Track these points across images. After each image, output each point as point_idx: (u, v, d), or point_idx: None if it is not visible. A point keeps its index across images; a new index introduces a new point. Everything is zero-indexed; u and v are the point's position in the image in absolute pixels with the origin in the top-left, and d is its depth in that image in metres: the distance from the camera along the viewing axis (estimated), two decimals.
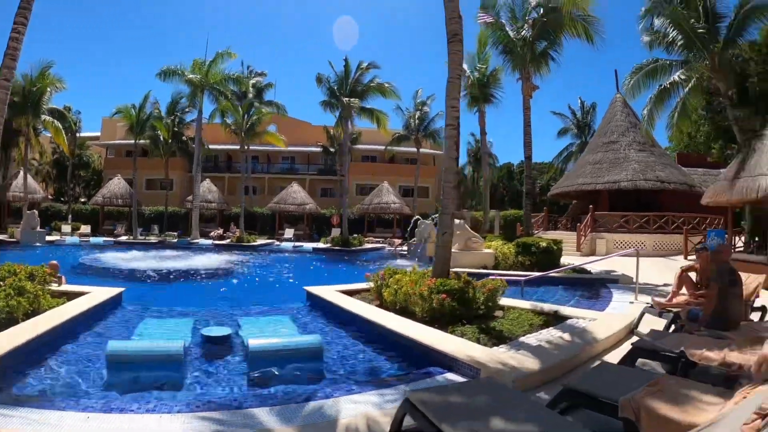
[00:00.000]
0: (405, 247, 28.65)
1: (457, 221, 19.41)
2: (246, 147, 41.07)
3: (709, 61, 20.99)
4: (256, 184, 54.15)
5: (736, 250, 21.22)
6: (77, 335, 8.04)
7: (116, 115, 41.42)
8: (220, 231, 38.96)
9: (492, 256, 18.45)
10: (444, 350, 6.62)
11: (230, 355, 7.43)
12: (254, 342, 7.02)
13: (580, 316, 9.09)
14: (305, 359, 7.00)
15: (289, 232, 40.46)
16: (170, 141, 42.55)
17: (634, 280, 12.78)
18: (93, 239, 34.90)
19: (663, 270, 18.62)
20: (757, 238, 21.09)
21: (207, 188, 44.69)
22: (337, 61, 35.68)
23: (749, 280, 8.78)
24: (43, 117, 36.67)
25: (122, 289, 11.24)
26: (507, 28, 22.60)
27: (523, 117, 21.87)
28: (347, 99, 33.04)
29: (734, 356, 4.89)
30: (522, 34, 22.08)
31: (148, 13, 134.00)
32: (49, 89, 35.69)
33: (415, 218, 29.14)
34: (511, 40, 22.32)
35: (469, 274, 10.56)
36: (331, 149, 51.83)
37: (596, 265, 18.03)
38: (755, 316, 8.31)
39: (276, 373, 6.65)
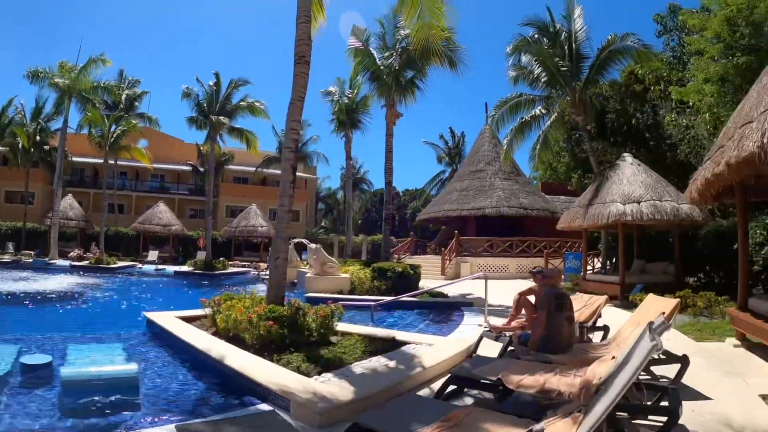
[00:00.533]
0: (268, 272, 27.46)
1: (313, 246, 19.04)
2: (114, 161, 39.08)
3: (570, 98, 21.81)
4: (123, 202, 51.49)
5: (595, 271, 22.30)
6: None
7: None
8: (80, 251, 36.26)
9: (348, 281, 17.84)
10: (258, 380, 6.10)
11: (48, 385, 6.66)
12: (66, 371, 6.32)
13: (418, 341, 8.65)
14: (120, 389, 6.25)
15: (153, 254, 38.17)
16: (31, 150, 39.73)
17: (486, 303, 12.57)
18: None
19: None
20: (609, 261, 21.97)
21: (69, 204, 41.91)
22: (207, 76, 33.92)
23: (591, 301, 8.79)
24: None
25: None
26: (375, 56, 22.60)
27: (386, 143, 21.88)
28: (215, 117, 31.62)
29: (555, 382, 4.59)
30: (389, 62, 22.12)
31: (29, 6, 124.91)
32: None
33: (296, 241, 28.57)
34: (378, 67, 22.31)
35: (323, 299, 10.87)
36: (201, 169, 48.89)
37: (454, 289, 17.83)
38: (599, 335, 8.28)
39: (86, 402, 5.96)
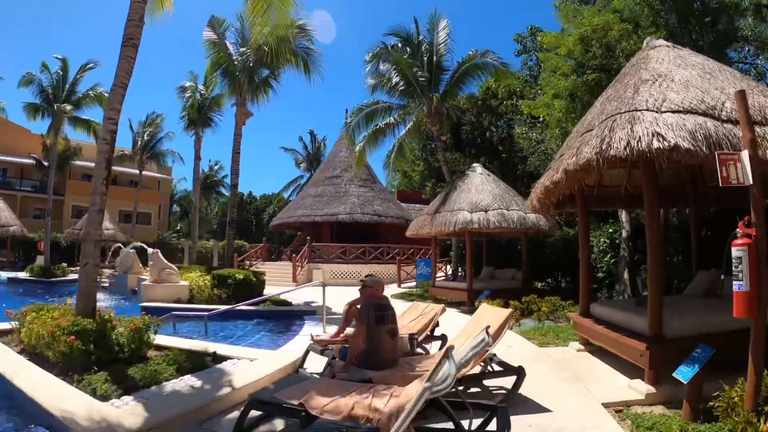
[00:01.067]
0: (78, 279, 25.22)
1: (150, 250, 17.68)
2: None
3: (427, 108, 21.78)
4: None
5: (447, 278, 22.75)
6: None
7: None
8: None
9: (187, 289, 16.60)
10: (45, 405, 5.27)
11: None
12: None
13: (242, 356, 7.76)
14: None
15: None
16: None
17: (324, 312, 11.94)
18: None
19: None
20: (460, 268, 22.02)
21: None
22: (53, 61, 31.12)
23: (428, 310, 8.50)
24: None
25: None
26: (231, 50, 21.47)
27: (233, 144, 20.59)
28: (59, 105, 29.21)
29: (364, 406, 4.02)
30: (244, 57, 21.01)
31: None
32: None
33: (115, 246, 26.65)
34: (232, 62, 21.17)
35: (160, 309, 10.73)
36: (46, 163, 44.07)
37: (300, 296, 17.24)
38: (438, 344, 8.05)
39: None
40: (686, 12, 16.58)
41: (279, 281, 27.17)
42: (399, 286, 25.92)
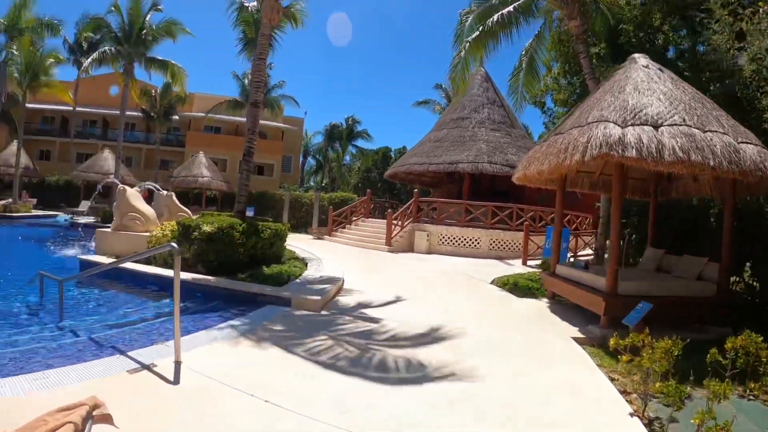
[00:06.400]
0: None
1: (139, 189, 15.28)
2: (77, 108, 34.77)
3: None
4: (91, 151, 43.16)
5: (576, 261, 13.17)
6: None
7: None
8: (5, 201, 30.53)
9: (145, 240, 12.20)
10: None
11: None
12: None
13: None
14: None
15: (84, 205, 31.95)
16: None
17: None
18: None
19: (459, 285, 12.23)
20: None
21: (12, 152, 35.20)
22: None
23: None
24: None
25: None
26: None
27: (258, 47, 13.29)
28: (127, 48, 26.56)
29: None
30: None
31: None
32: None
33: (105, 181, 24.73)
34: None
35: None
36: (153, 114, 41.49)
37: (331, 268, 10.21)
38: None
39: None
40: None
41: (370, 244, 20.62)
42: (524, 263, 17.32)
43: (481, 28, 14.92)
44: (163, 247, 5.84)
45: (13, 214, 27.68)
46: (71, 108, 39.07)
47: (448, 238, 20.07)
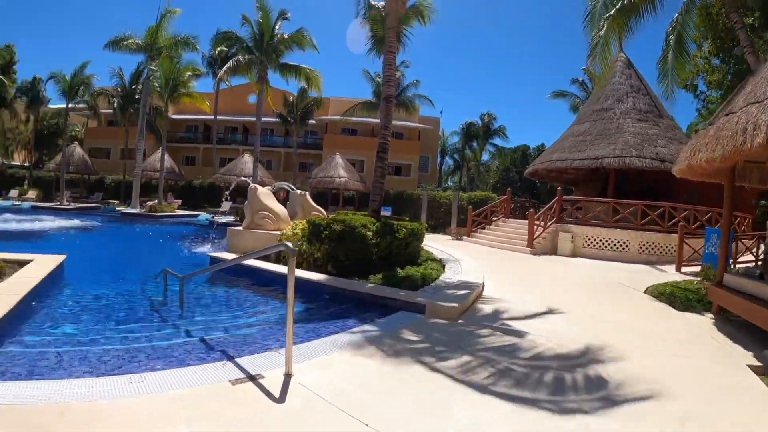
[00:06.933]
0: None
1: (263, 189, 14.63)
2: (218, 116, 38.47)
3: None
4: (232, 156, 45.40)
5: (749, 271, 11.18)
6: None
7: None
8: (152, 201, 33.77)
9: (275, 240, 11.71)
10: None
11: None
12: None
13: None
14: None
15: (225, 205, 32.71)
16: (128, 110, 41.85)
17: None
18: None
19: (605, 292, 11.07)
20: None
21: (158, 158, 38.33)
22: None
23: None
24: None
25: None
26: None
27: (386, 38, 13.03)
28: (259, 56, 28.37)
29: None
30: None
31: None
32: None
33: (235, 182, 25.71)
34: None
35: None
36: (290, 119, 43.59)
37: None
38: None
39: None
40: None
41: (511, 245, 19.56)
42: (678, 269, 15.25)
43: (619, 4, 13.45)
44: (276, 246, 5.40)
45: (158, 214, 30.03)
46: (212, 117, 40.96)
47: (594, 240, 18.54)
